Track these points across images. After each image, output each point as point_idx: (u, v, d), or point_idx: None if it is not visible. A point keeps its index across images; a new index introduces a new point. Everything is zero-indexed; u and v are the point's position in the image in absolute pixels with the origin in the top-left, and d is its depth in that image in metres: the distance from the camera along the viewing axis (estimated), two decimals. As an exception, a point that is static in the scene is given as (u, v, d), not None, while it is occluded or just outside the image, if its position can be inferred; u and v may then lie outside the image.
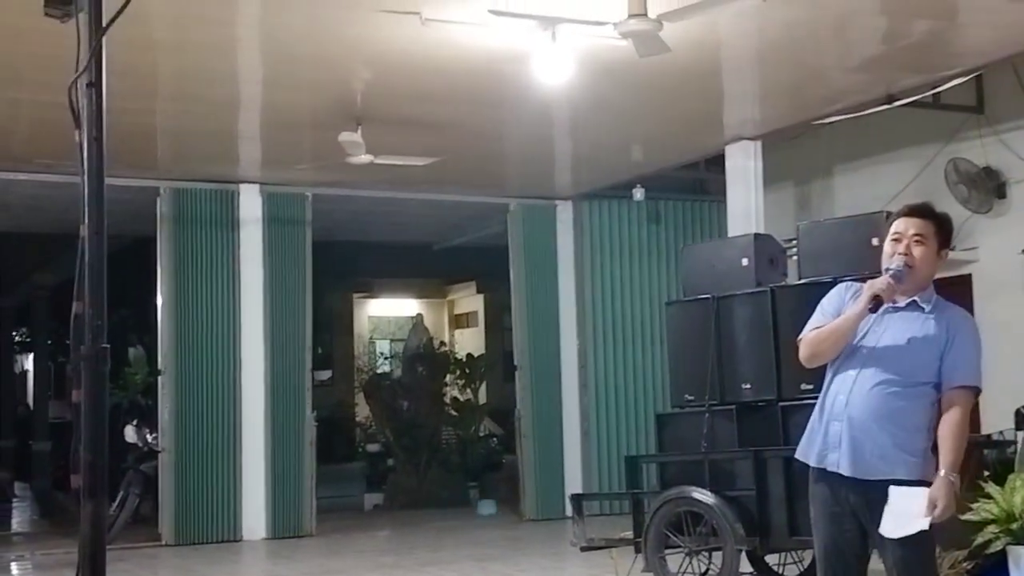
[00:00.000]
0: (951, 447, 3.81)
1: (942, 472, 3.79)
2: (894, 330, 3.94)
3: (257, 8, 6.76)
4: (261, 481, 10.76)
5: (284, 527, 10.84)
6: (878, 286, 3.90)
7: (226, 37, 7.11)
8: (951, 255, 10.73)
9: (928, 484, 3.86)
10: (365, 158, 8.74)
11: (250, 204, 10.93)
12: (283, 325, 10.98)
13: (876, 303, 3.90)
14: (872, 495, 3.87)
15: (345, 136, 8.49)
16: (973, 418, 10.14)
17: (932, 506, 3.77)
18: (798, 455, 4.11)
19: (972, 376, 3.91)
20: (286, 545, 10.54)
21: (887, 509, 3.91)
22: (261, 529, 10.77)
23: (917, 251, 3.95)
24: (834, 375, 4.01)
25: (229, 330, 10.80)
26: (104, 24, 2.78)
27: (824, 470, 3.97)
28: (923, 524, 3.80)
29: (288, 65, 7.62)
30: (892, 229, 4.03)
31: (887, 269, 3.95)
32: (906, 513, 3.86)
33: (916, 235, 3.95)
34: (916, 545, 3.83)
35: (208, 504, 10.63)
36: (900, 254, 3.94)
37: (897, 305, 3.97)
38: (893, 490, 3.86)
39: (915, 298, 3.97)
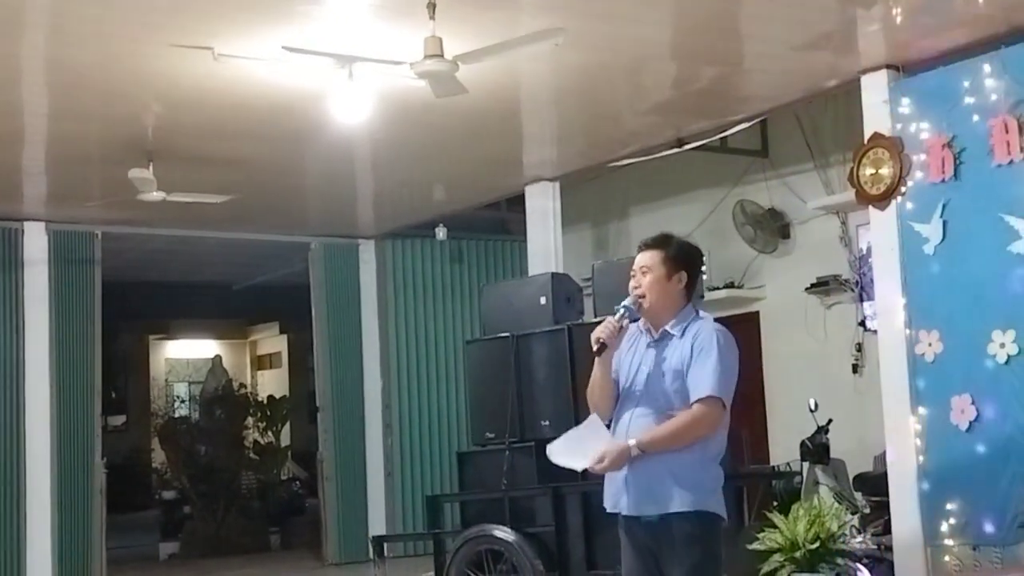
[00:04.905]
0: (656, 431, 3.94)
1: (632, 442, 3.91)
2: (650, 364, 4.06)
3: (42, 39, 6.46)
4: (47, 532, 10.19)
5: (71, 580, 10.33)
6: (598, 331, 4.04)
7: (8, 69, 6.78)
8: (740, 292, 11.12)
9: (711, 515, 3.97)
10: (157, 195, 8.46)
11: (35, 243, 10.41)
12: (71, 369, 10.48)
13: (600, 347, 4.03)
14: (660, 532, 3.96)
15: (135, 172, 8.21)
16: (760, 448, 10.46)
17: (600, 458, 3.88)
18: (605, 505, 4.17)
19: (709, 386, 3.94)
20: (73, 600, 10.03)
21: (567, 434, 4.05)
22: (47, 583, 10.22)
23: (645, 281, 4.08)
24: (616, 421, 4.09)
25: (12, 375, 10.22)
26: None
27: (623, 515, 4.06)
28: (580, 465, 3.95)
29: (76, 98, 7.31)
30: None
31: (616, 309, 4.07)
32: (578, 449, 3.98)
33: (642, 267, 4.12)
34: None
35: (-12, 559, 10.05)
36: (633, 288, 4.09)
37: (653, 339, 4.09)
38: (588, 422, 4.00)
39: (665, 327, 4.08)
